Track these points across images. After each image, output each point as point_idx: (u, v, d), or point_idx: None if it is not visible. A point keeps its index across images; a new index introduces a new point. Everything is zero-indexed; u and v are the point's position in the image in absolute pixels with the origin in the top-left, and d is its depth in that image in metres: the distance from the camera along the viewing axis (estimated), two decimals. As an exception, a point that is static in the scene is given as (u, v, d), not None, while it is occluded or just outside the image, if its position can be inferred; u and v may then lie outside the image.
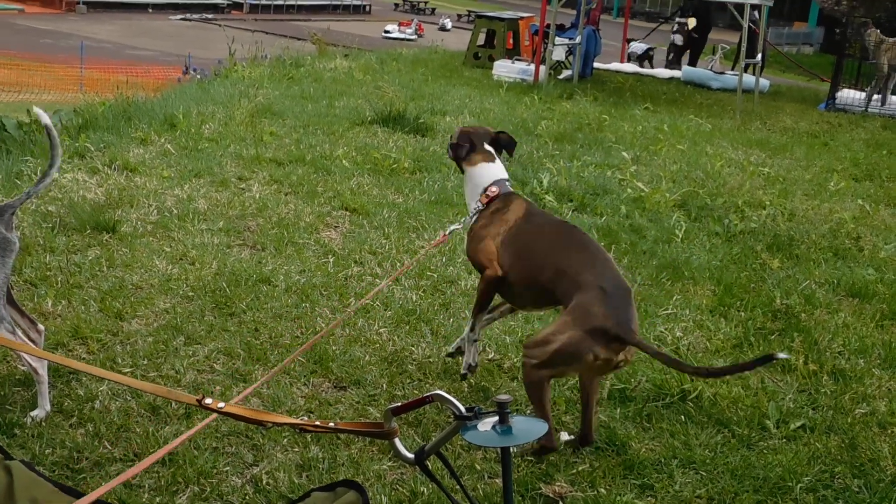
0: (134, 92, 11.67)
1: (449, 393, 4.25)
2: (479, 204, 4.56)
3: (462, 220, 4.65)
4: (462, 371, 4.61)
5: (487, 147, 4.71)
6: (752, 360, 4.26)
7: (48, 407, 4.05)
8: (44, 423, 3.97)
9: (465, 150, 4.70)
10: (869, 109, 15.83)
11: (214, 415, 2.86)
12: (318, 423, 2.74)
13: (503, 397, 2.40)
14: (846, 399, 4.75)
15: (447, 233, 4.73)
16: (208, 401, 2.71)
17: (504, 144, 4.78)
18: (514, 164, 9.13)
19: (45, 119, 4.25)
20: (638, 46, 21.14)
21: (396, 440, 2.66)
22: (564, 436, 4.20)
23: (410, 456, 2.67)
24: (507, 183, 4.62)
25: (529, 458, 4.03)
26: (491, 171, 4.62)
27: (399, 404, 2.61)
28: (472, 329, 4.58)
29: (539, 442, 4.01)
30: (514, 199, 4.52)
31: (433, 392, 2.52)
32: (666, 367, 4.75)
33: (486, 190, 4.57)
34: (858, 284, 6.38)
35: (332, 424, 2.73)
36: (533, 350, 3.95)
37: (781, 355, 3.61)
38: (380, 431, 2.68)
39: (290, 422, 2.77)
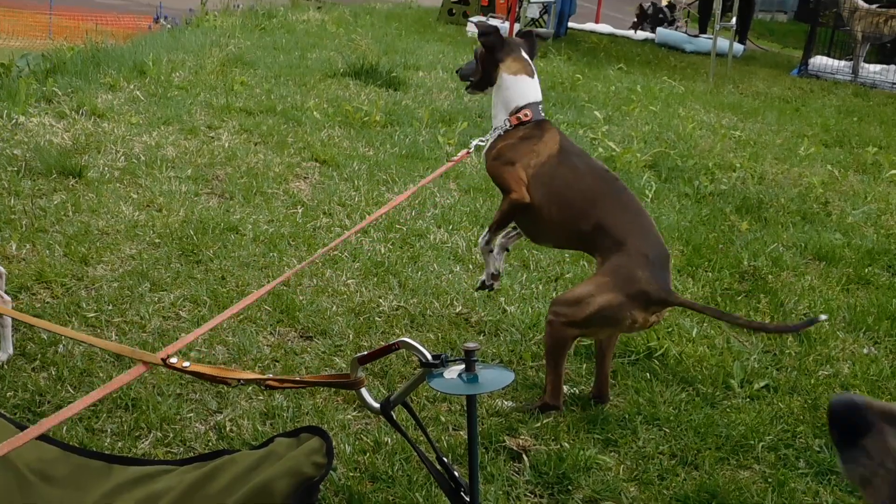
0: (103, 39, 11.51)
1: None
2: (507, 123, 4.16)
3: (488, 135, 4.28)
4: (483, 279, 4.43)
5: (525, 55, 4.25)
6: (798, 322, 4.22)
7: (11, 350, 4.01)
8: (6, 366, 3.94)
9: (501, 46, 4.20)
10: (841, 76, 15.86)
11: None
12: (284, 377, 2.72)
13: (471, 345, 2.38)
14: (810, 360, 4.78)
15: (471, 148, 4.36)
16: (173, 360, 2.68)
17: (537, 41, 4.41)
18: (487, 119, 9.07)
19: None
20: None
21: (363, 390, 2.63)
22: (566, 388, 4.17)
23: (376, 405, 2.65)
24: (540, 107, 4.21)
25: (516, 414, 4.03)
26: (529, 89, 4.18)
27: (365, 353, 2.59)
28: (487, 242, 4.32)
29: (543, 399, 4.01)
30: (547, 129, 4.12)
31: (399, 339, 2.50)
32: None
33: (519, 110, 4.14)
34: (825, 248, 6.41)
35: (297, 378, 2.71)
36: (564, 308, 3.84)
37: (823, 317, 3.70)
38: (346, 382, 2.66)
39: (255, 378, 2.74)
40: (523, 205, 4.04)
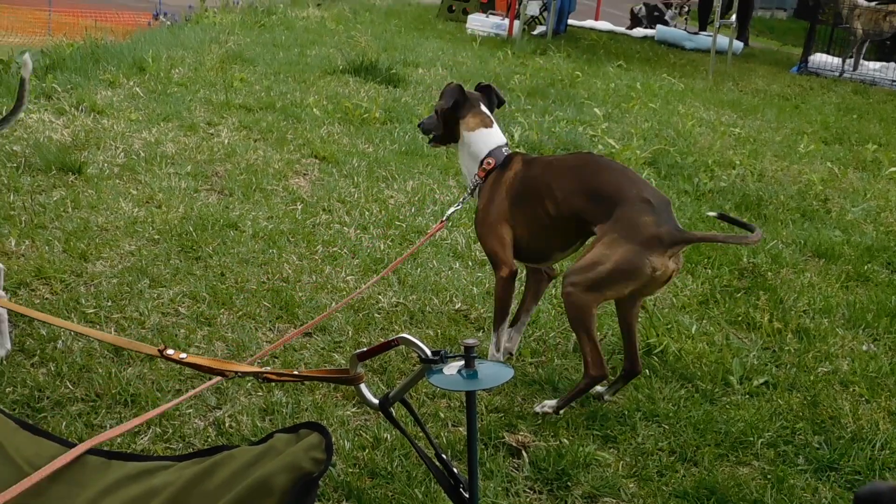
0: (103, 35, 11.50)
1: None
2: (477, 178, 4.29)
3: (462, 198, 4.42)
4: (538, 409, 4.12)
5: (484, 109, 4.39)
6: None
7: (9, 345, 4.01)
8: (4, 362, 3.93)
9: (463, 104, 4.35)
10: (842, 75, 15.85)
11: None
12: (282, 371, 2.71)
13: (470, 341, 2.37)
14: (809, 357, 4.78)
15: (445, 218, 4.41)
16: (170, 351, 2.68)
17: (497, 97, 4.51)
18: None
19: (27, 72, 4.25)
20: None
21: (362, 386, 2.63)
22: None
23: (375, 401, 2.64)
24: (505, 149, 4.33)
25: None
26: (489, 138, 4.32)
27: (364, 349, 2.58)
28: (497, 348, 4.33)
29: (587, 374, 3.93)
30: (511, 159, 4.27)
31: (399, 336, 2.49)
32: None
33: (482, 162, 4.28)
34: (825, 245, 6.41)
35: (296, 372, 2.70)
36: (579, 276, 3.82)
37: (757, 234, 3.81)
38: (345, 377, 2.65)
39: (253, 370, 2.73)
40: (513, 274, 4.18)
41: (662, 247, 3.73)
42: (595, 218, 3.91)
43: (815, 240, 6.50)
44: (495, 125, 4.37)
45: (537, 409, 4.02)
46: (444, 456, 2.54)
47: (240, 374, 2.73)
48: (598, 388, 4.14)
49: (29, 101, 4.32)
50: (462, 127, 4.36)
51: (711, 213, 3.91)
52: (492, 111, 4.44)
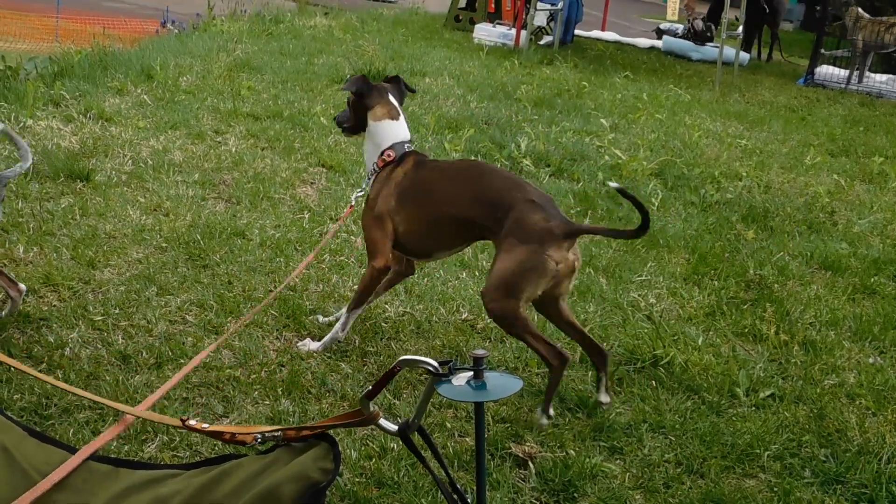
0: (111, 43, 11.53)
1: (421, 353, 4.27)
2: (376, 167, 4.46)
3: (363, 185, 4.55)
4: (306, 346, 4.45)
5: (392, 100, 4.54)
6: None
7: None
8: (12, 369, 3.92)
9: (369, 94, 4.50)
10: (847, 87, 15.85)
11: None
12: (300, 426, 2.72)
13: (479, 352, 2.38)
14: (816, 370, 4.78)
15: (352, 202, 4.65)
16: (192, 422, 2.76)
17: (404, 88, 4.67)
18: (493, 127, 9.11)
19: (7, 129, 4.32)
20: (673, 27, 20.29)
21: (381, 420, 2.62)
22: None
23: (394, 428, 2.64)
24: (407, 145, 4.47)
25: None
26: (394, 130, 4.48)
27: (370, 388, 2.57)
28: (343, 327, 4.47)
29: (551, 367, 4.00)
30: (408, 157, 4.42)
31: (398, 360, 2.48)
32: (638, 334, 4.80)
33: (384, 153, 4.44)
34: (831, 258, 6.41)
35: (314, 424, 2.71)
36: (492, 290, 3.95)
37: (613, 184, 3.99)
38: (362, 419, 2.65)
39: (274, 429, 2.75)
40: (385, 270, 4.37)
41: (558, 240, 3.88)
42: (485, 222, 4.06)
43: (821, 252, 6.50)
44: (402, 118, 4.53)
45: (542, 421, 4.02)
46: (458, 486, 2.54)
47: (265, 437, 2.74)
48: (603, 398, 4.17)
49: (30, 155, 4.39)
50: (369, 116, 4.51)
51: (613, 185, 4.00)
52: (401, 104, 4.58)
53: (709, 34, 19.05)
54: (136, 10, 22.04)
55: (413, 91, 4.74)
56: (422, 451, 2.70)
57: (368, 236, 4.40)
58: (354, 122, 4.60)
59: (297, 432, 2.68)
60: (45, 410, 3.72)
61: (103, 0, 23.81)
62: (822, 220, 7.37)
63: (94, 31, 14.51)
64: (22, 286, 4.32)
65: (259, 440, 2.73)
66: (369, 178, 4.48)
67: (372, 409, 2.56)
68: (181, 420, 2.76)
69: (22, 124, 7.14)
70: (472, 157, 7.91)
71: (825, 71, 16.45)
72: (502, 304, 3.93)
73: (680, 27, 19.68)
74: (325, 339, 4.46)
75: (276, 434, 2.70)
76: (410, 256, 4.55)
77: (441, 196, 4.22)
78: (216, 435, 2.84)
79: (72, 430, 3.60)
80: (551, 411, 4.03)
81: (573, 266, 3.96)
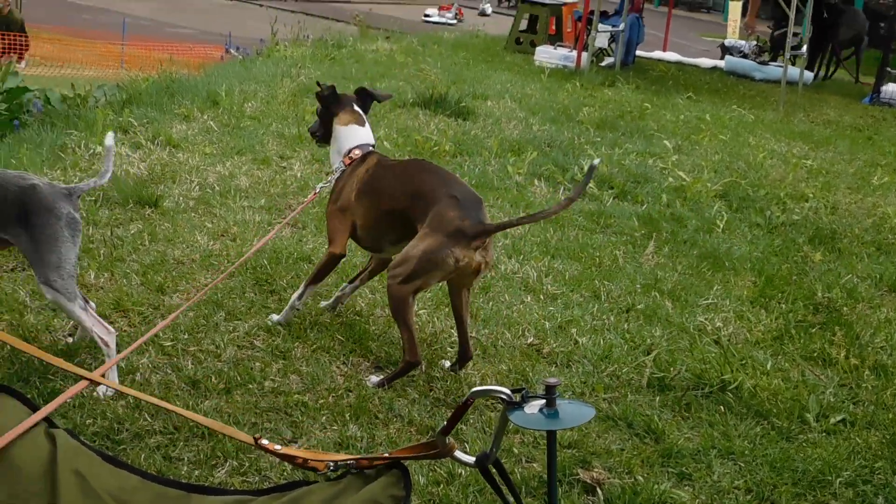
0: (176, 69, 11.71)
1: (486, 379, 4.27)
2: (342, 164, 4.78)
3: (329, 176, 4.86)
4: (270, 319, 4.86)
5: (357, 109, 4.90)
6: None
7: (116, 379, 4.08)
8: (84, 394, 3.98)
9: (335, 102, 4.88)
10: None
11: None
12: (374, 455, 2.73)
13: (552, 380, 2.37)
14: (888, 395, 4.71)
15: (316, 190, 4.96)
16: (265, 441, 2.79)
17: (371, 98, 5.04)
18: (556, 149, 9.10)
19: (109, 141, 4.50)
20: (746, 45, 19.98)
21: (457, 452, 2.63)
22: (446, 363, 4.60)
23: (471, 460, 2.65)
24: (370, 148, 4.83)
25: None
26: (359, 134, 4.82)
27: (445, 424, 2.58)
28: (300, 297, 4.79)
29: (404, 359, 4.32)
30: (370, 155, 4.76)
31: (471, 392, 2.49)
32: (705, 359, 4.76)
33: (349, 152, 4.76)
34: (902, 280, 6.32)
35: (387, 455, 2.72)
36: (396, 269, 4.24)
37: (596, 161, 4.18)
38: (438, 452, 2.66)
39: (348, 458, 2.77)
40: (339, 257, 4.72)
41: (466, 238, 4.11)
42: (416, 216, 4.33)
43: (891, 274, 6.42)
44: (367, 125, 4.90)
45: (371, 378, 4.39)
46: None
47: (337, 464, 2.75)
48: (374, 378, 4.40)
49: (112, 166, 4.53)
50: (336, 122, 4.87)
51: (596, 161, 4.25)
52: (366, 113, 4.96)
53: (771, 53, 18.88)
54: (199, 34, 22.37)
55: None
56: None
57: (330, 225, 4.75)
58: (325, 131, 4.96)
59: (370, 462, 2.68)
60: (117, 435, 3.77)
61: (165, 26, 24.19)
62: (891, 242, 7.27)
63: (158, 57, 14.74)
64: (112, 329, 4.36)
65: (332, 468, 2.73)
66: (335, 175, 4.80)
67: (449, 441, 2.57)
68: (254, 438, 2.78)
69: (91, 151, 7.26)
70: (477, 167, 8.10)
71: (892, 89, 16.25)
72: (398, 285, 4.21)
73: (744, 43, 19.45)
74: (284, 311, 4.85)
75: (348, 462, 2.71)
76: (367, 249, 4.89)
77: (387, 192, 4.54)
78: (288, 458, 2.85)
79: (143, 455, 3.64)
80: (377, 379, 4.37)
81: (478, 266, 4.20)
